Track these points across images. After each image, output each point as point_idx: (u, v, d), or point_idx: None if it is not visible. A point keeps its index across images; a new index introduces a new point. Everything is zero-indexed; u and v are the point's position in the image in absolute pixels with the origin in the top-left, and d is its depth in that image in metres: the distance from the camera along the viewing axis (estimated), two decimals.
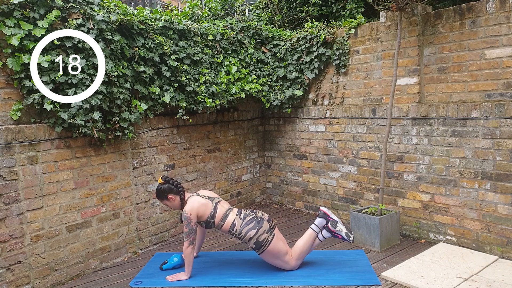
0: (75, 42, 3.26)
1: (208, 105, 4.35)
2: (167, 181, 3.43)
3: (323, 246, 4.08)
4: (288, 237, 4.25)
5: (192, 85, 4.22)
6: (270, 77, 5.18)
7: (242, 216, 3.41)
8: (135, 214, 4.06)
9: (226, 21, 5.00)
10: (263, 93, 5.09)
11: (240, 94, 4.76)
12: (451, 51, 3.81)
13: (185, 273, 3.42)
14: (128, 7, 3.83)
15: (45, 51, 3.17)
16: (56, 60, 3.18)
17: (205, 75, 4.36)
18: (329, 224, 3.50)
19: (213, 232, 4.55)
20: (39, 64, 3.12)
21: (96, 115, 3.38)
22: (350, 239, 3.46)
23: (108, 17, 3.50)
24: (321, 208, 3.61)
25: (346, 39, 4.58)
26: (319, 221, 3.54)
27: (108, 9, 3.60)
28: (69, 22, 3.26)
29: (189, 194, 3.50)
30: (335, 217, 3.55)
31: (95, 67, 3.38)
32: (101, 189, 3.73)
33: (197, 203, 3.36)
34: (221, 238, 4.42)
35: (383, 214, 3.94)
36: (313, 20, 5.17)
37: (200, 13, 5.55)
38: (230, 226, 3.37)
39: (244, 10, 6.46)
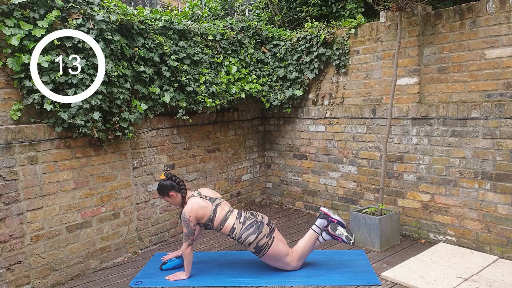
0: (75, 42, 3.26)
1: (208, 105, 4.35)
2: (170, 177, 3.42)
3: (323, 246, 4.08)
4: (288, 237, 4.25)
5: (192, 85, 4.22)
6: (270, 77, 5.18)
7: (242, 220, 3.37)
8: (135, 214, 4.06)
9: (226, 21, 5.00)
10: (263, 93, 5.09)
11: (240, 94, 4.76)
12: (451, 51, 3.81)
13: (184, 272, 3.42)
14: (128, 7, 3.83)
15: (45, 51, 3.17)
16: (56, 60, 3.18)
17: (205, 75, 4.36)
18: (329, 227, 3.48)
19: (213, 232, 4.55)
20: (39, 64, 3.12)
21: (96, 115, 3.38)
22: (351, 242, 3.44)
23: (108, 17, 3.50)
24: (322, 208, 3.59)
25: (346, 39, 4.58)
26: (320, 222, 3.53)
27: (108, 9, 3.60)
28: (69, 22, 3.27)
29: (191, 193, 3.47)
30: (336, 217, 3.53)
31: (95, 67, 3.38)
32: (101, 189, 3.73)
33: (196, 205, 3.32)
34: (221, 238, 4.42)
35: (383, 214, 3.94)
36: (313, 20, 5.17)
37: (200, 13, 5.56)
38: (229, 230, 3.35)
39: (244, 10, 6.46)
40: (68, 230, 3.50)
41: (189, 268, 3.41)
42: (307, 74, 4.87)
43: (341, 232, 3.47)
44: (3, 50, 3.04)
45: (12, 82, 3.12)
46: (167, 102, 4.06)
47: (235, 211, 3.46)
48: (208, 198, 3.43)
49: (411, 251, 3.84)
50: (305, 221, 4.87)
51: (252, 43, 5.05)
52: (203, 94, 4.31)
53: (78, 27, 3.29)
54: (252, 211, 3.54)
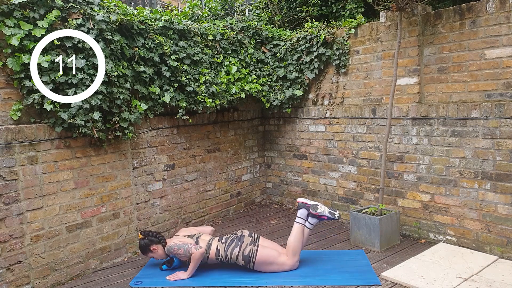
0: (75, 42, 3.26)
1: (208, 105, 4.35)
2: (146, 234, 3.55)
3: (323, 246, 4.08)
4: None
5: (192, 85, 4.22)
6: (270, 77, 5.18)
7: (223, 240, 3.52)
8: (135, 214, 4.06)
9: (226, 21, 5.00)
10: (263, 93, 5.09)
11: (240, 94, 4.76)
12: (451, 51, 3.81)
13: (185, 272, 3.43)
14: (128, 7, 3.83)
15: (45, 51, 3.17)
16: (56, 60, 3.18)
17: (205, 75, 4.36)
18: (310, 209, 3.54)
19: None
20: (39, 64, 3.12)
21: (96, 115, 3.38)
22: (336, 216, 3.52)
23: (108, 17, 3.50)
24: (298, 199, 3.67)
25: (346, 39, 4.58)
26: (301, 212, 3.60)
27: (108, 9, 3.60)
28: (69, 22, 3.26)
29: (169, 240, 3.62)
30: (313, 202, 3.60)
31: (95, 67, 3.38)
32: (101, 189, 3.73)
33: (177, 239, 3.50)
34: None
35: (383, 214, 3.94)
36: (313, 20, 5.17)
37: (200, 13, 5.55)
38: (215, 254, 3.46)
39: (244, 10, 6.46)
40: (68, 230, 3.50)
41: (192, 271, 3.42)
42: (307, 74, 4.87)
43: (322, 209, 3.54)
44: (3, 50, 3.04)
45: (12, 82, 3.12)
46: (167, 102, 4.07)
47: (216, 237, 3.60)
48: (186, 236, 3.58)
49: (411, 251, 3.84)
50: None
51: (252, 43, 5.05)
52: (203, 94, 4.31)
53: (78, 27, 3.29)
54: (232, 232, 3.68)
